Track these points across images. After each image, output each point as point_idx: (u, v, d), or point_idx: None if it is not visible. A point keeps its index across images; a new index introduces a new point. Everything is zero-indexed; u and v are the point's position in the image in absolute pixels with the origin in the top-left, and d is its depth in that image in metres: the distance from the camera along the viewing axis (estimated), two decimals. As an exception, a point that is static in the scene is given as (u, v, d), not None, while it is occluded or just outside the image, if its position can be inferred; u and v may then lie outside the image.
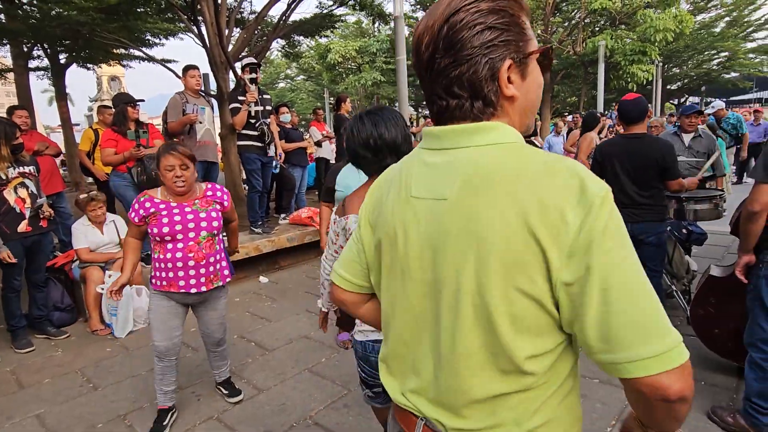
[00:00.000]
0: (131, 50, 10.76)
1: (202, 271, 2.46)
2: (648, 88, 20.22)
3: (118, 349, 3.69)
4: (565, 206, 0.68)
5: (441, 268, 0.79)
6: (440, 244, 0.78)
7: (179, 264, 2.41)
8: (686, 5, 18.21)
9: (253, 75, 5.13)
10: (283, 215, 6.32)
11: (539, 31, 18.03)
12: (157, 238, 2.40)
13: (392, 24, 12.91)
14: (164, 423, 2.56)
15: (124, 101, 4.60)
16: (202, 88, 5.12)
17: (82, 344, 3.80)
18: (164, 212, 2.40)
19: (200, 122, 4.81)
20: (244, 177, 6.31)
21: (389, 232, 0.87)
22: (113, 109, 4.89)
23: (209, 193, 2.58)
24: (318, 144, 7.14)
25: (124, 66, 13.63)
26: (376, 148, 1.62)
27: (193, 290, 2.45)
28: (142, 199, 2.44)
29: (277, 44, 10.79)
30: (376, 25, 20.82)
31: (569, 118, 11.41)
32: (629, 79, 16.45)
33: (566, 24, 18.76)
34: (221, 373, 2.90)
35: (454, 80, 0.78)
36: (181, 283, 2.44)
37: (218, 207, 2.56)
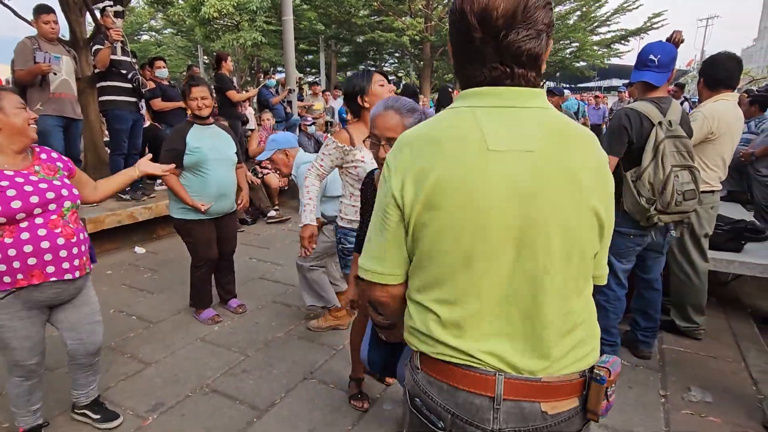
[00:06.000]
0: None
1: (75, 251, 1.94)
2: (514, 70, 22.01)
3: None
4: (604, 165, 0.94)
5: (532, 211, 0.87)
6: (533, 190, 0.87)
7: (44, 245, 1.83)
8: (547, -4, 20.01)
9: (119, 7, 4.51)
10: (159, 180, 5.80)
11: (420, 6, 18.55)
12: (1, 219, 1.75)
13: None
14: None
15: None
16: (60, 35, 4.36)
17: None
18: (4, 182, 1.79)
19: (55, 73, 4.14)
20: (106, 138, 5.62)
21: (457, 186, 0.88)
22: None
23: (43, 156, 1.98)
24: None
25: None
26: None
27: (68, 276, 1.91)
28: None
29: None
30: (256, -20, 19.47)
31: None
32: (499, 61, 17.68)
33: (446, 1, 19.52)
34: (90, 392, 2.25)
35: (524, 52, 0.88)
36: (50, 269, 1.86)
37: (66, 174, 2.03)
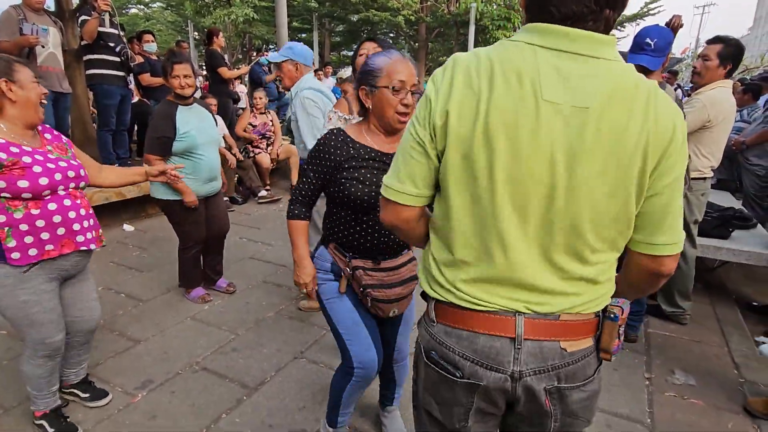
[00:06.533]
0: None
1: (92, 222, 1.98)
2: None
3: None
4: (668, 127, 0.85)
5: (574, 170, 0.83)
6: (580, 149, 0.82)
7: (71, 214, 1.86)
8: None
9: None
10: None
11: (417, -14, 18.22)
12: (27, 195, 1.74)
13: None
14: (69, 419, 2.10)
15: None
16: (46, 5, 4.21)
17: None
18: (27, 158, 1.75)
19: (43, 45, 4.01)
20: (93, 113, 5.49)
21: (501, 130, 0.83)
22: None
23: (48, 135, 1.95)
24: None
25: None
26: None
27: (92, 246, 1.96)
28: None
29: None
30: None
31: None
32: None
33: (442, -18, 19.18)
34: (80, 371, 2.24)
35: None
36: (80, 238, 1.89)
37: (73, 153, 2.02)
